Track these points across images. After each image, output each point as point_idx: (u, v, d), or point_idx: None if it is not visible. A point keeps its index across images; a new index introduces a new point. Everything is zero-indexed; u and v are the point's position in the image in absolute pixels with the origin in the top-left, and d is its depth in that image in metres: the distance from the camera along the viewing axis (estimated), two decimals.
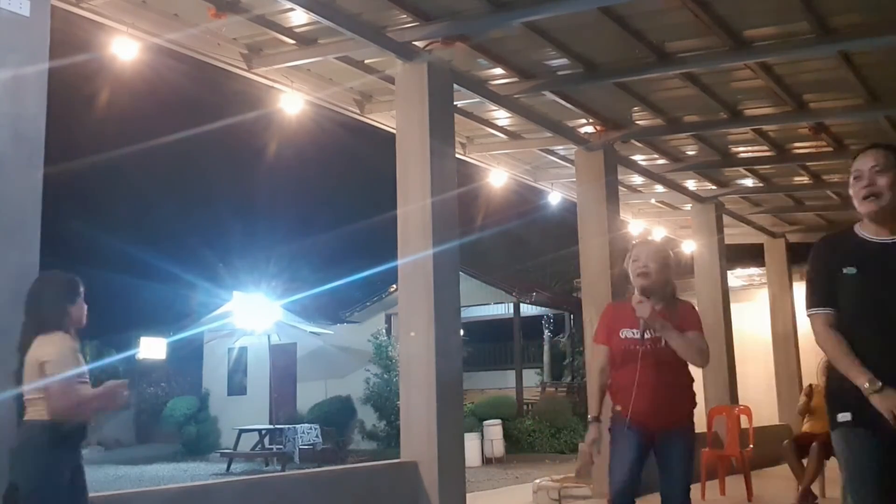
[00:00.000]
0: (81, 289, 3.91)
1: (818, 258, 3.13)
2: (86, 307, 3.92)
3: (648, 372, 4.08)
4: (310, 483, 6.29)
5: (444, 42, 6.95)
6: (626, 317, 4.16)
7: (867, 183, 3.03)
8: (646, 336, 4.11)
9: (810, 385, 8.32)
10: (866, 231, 3.08)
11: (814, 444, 7.59)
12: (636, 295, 4.14)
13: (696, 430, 4.19)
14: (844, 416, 2.97)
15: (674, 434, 4.14)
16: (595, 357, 4.38)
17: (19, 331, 3.80)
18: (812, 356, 13.54)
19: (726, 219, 13.00)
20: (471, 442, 15.77)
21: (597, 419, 4.30)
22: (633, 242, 4.20)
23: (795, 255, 14.83)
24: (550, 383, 23.35)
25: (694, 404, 4.28)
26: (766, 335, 14.52)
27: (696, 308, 4.32)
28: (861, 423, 2.92)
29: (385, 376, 19.89)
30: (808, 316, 3.10)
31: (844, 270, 3.00)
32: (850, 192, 3.11)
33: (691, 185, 12.19)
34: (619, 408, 4.19)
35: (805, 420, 8.20)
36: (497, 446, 17.67)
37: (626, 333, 4.16)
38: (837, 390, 3.04)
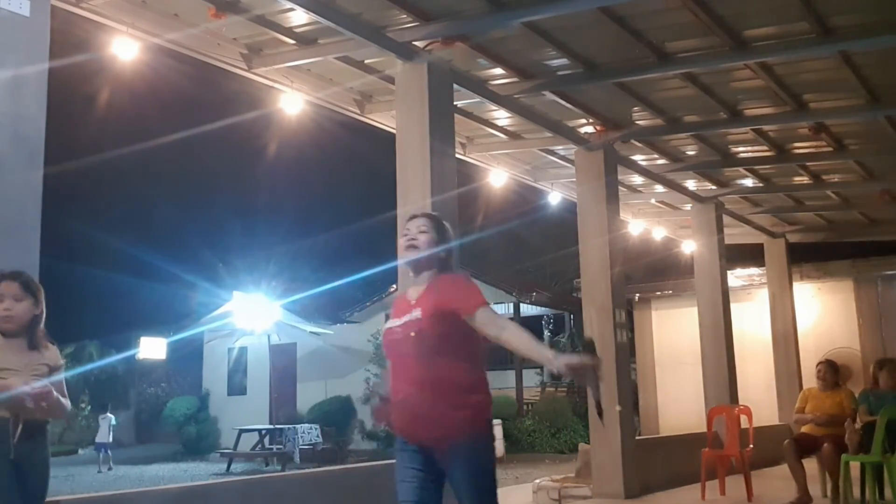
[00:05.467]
0: None
1: None
2: None
3: (403, 372, 3.32)
4: (310, 483, 6.29)
5: (444, 42, 6.94)
6: (398, 304, 3.45)
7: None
8: (399, 322, 3.36)
9: (803, 392, 8.35)
10: None
11: (825, 445, 7.56)
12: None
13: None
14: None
15: (449, 453, 3.26)
16: None
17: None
18: (812, 356, 13.58)
19: (726, 219, 12.99)
20: None
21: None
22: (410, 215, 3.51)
23: (795, 255, 14.83)
24: (550, 383, 23.37)
25: (476, 412, 3.33)
26: (766, 335, 14.52)
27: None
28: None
29: None
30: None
31: None
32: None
33: (691, 185, 12.19)
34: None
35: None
36: (497, 446, 17.68)
37: (389, 323, 3.46)
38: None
